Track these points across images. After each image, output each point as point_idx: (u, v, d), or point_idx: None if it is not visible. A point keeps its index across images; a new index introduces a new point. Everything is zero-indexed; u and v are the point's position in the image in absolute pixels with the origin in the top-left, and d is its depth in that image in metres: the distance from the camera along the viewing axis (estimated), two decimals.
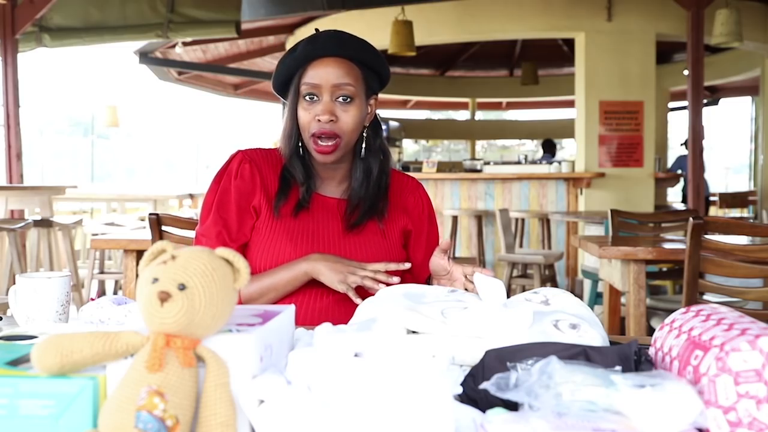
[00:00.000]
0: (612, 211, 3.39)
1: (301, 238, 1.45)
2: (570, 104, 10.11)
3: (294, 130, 1.46)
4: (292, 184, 1.49)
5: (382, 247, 1.49)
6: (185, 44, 8.18)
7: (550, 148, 9.56)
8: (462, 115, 15.63)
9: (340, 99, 1.41)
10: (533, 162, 8.69)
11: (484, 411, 0.70)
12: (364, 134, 1.50)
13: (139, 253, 2.99)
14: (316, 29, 1.49)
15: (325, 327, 0.85)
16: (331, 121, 1.40)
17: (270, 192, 1.48)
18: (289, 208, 1.48)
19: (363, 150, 1.49)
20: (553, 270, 5.75)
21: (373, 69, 1.48)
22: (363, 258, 1.45)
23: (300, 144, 1.47)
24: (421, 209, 1.58)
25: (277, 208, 1.46)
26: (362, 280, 1.32)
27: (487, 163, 8.10)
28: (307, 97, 1.42)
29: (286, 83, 1.48)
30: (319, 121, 1.40)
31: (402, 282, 1.48)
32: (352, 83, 1.42)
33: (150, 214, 2.54)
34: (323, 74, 1.41)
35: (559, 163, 7.20)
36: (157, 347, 0.69)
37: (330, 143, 1.41)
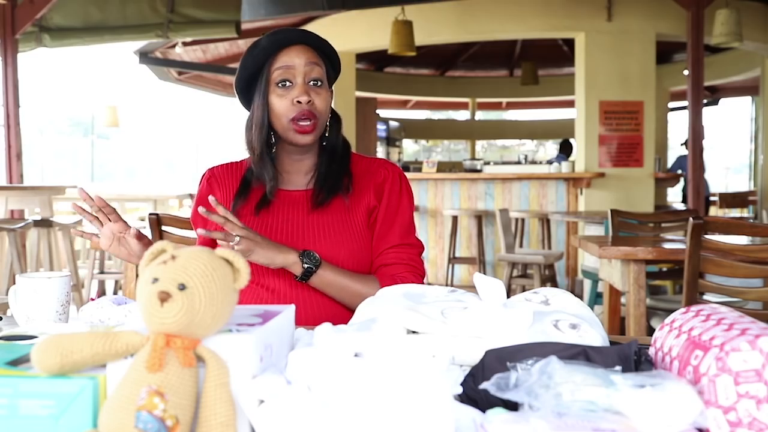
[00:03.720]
0: (612, 211, 3.39)
1: (260, 230, 1.47)
2: (570, 104, 10.12)
3: (265, 120, 1.47)
4: (252, 185, 1.53)
5: (347, 223, 1.49)
6: (185, 44, 8.18)
7: (567, 149, 9.37)
8: (462, 115, 15.64)
9: (312, 83, 1.46)
10: (549, 162, 8.65)
11: (484, 411, 0.70)
12: (327, 124, 1.53)
13: None
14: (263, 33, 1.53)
15: (325, 327, 0.85)
16: (309, 101, 1.44)
17: (229, 203, 1.53)
18: (250, 208, 1.51)
19: (327, 139, 1.53)
20: (553, 270, 5.76)
21: (330, 60, 1.53)
22: (329, 234, 1.47)
23: (269, 137, 1.50)
24: (384, 180, 1.56)
25: (234, 209, 1.51)
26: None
27: (487, 163, 8.11)
28: (280, 84, 1.45)
29: (252, 78, 1.50)
30: (298, 103, 1.44)
31: (359, 261, 1.49)
32: (321, 67, 1.48)
33: (150, 214, 2.54)
34: (295, 58, 1.45)
35: (559, 163, 7.20)
36: (157, 347, 0.69)
37: (309, 122, 1.45)
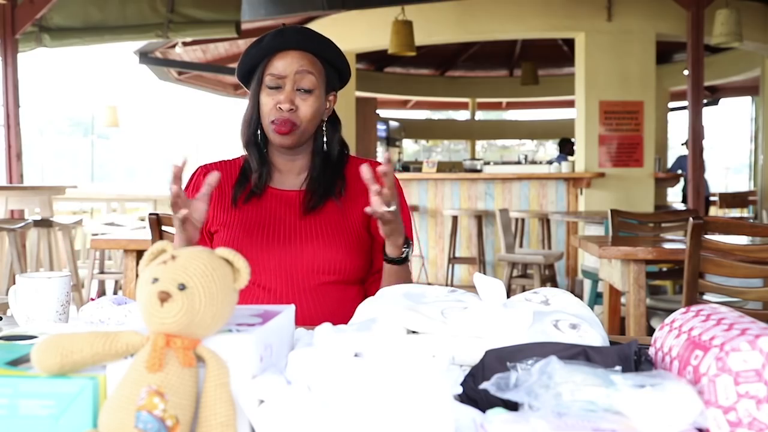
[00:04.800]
0: (612, 211, 3.39)
1: (255, 227, 1.48)
2: (570, 104, 10.11)
3: (254, 116, 1.51)
4: (251, 176, 1.54)
5: (341, 226, 1.50)
6: (185, 44, 8.18)
7: (566, 147, 9.32)
8: (462, 115, 15.63)
9: (301, 89, 1.46)
10: (549, 162, 8.64)
11: (484, 411, 0.70)
12: (323, 128, 1.54)
13: (139, 253, 2.99)
14: (283, 24, 1.54)
15: (325, 327, 0.85)
16: (291, 110, 1.45)
17: (226, 200, 1.53)
18: (244, 197, 1.52)
19: (324, 144, 1.54)
20: (553, 270, 5.75)
21: (334, 66, 1.53)
22: (324, 237, 1.48)
23: (258, 132, 1.52)
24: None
25: (235, 198, 1.52)
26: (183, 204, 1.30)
27: (487, 163, 8.12)
28: (270, 86, 1.47)
29: (250, 72, 1.52)
30: (280, 109, 1.45)
31: (356, 262, 1.50)
32: (313, 75, 1.47)
33: (150, 214, 2.54)
34: (287, 65, 1.46)
35: (559, 163, 7.20)
36: (157, 347, 0.69)
37: (286, 126, 1.46)
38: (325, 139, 1.54)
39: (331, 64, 1.52)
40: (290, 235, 1.48)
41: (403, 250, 1.43)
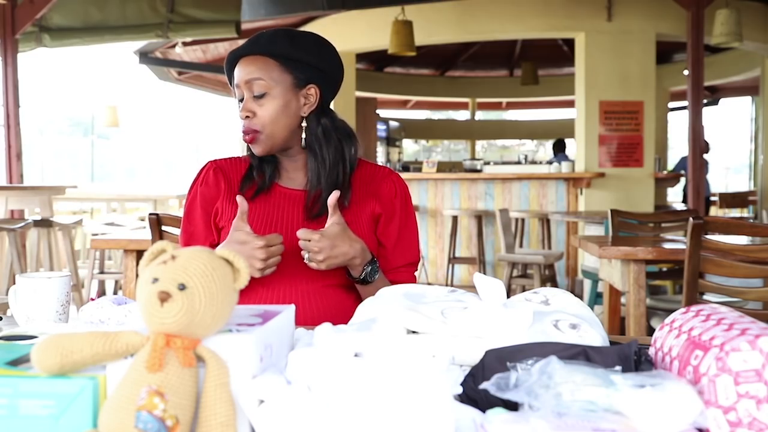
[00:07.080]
0: (612, 211, 3.39)
1: (261, 226, 1.48)
2: (570, 104, 10.11)
3: None
4: (256, 177, 1.55)
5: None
6: (185, 44, 8.18)
7: (561, 148, 9.25)
8: (462, 115, 15.64)
9: (255, 95, 1.46)
10: (549, 162, 8.63)
11: (484, 411, 0.70)
12: (303, 125, 1.49)
13: (139, 253, 2.99)
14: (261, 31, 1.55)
15: (325, 327, 0.85)
16: (247, 117, 1.46)
17: (234, 196, 1.52)
18: (251, 194, 1.52)
19: (303, 140, 1.50)
20: (553, 270, 5.75)
21: (300, 60, 1.46)
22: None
23: None
24: (394, 193, 1.57)
25: (242, 190, 1.52)
26: (272, 263, 1.37)
27: (487, 163, 8.11)
28: (237, 98, 1.49)
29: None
30: (244, 119, 1.47)
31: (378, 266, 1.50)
32: (263, 78, 1.44)
33: (150, 214, 2.54)
34: (239, 75, 1.47)
35: (559, 163, 7.20)
36: (157, 347, 0.69)
37: (249, 135, 1.47)
38: (304, 135, 1.49)
39: (295, 60, 1.46)
40: (295, 235, 1.47)
41: (364, 269, 1.43)
